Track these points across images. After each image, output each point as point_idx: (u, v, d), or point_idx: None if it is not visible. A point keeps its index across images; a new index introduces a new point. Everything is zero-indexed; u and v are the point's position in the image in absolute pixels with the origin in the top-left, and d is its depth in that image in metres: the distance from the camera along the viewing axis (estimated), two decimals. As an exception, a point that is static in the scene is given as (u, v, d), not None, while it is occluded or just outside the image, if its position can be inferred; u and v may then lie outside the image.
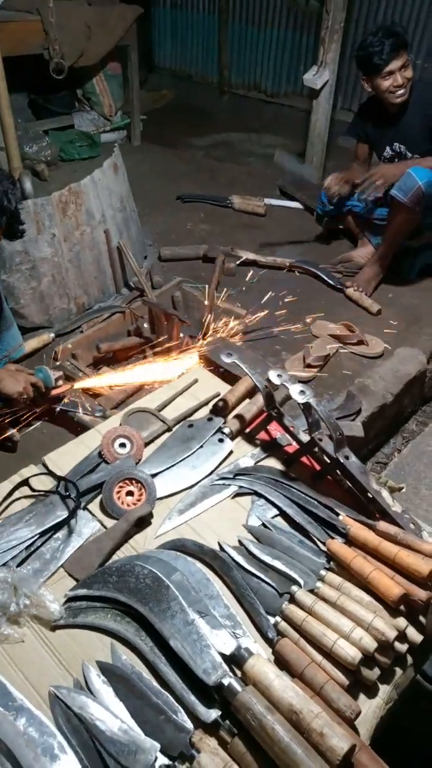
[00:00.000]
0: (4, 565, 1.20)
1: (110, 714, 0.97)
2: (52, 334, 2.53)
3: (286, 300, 2.84)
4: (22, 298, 2.57)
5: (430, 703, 1.58)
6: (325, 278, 3.09)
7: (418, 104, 2.84)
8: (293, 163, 4.41)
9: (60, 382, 2.07)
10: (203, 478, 1.46)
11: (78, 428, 2.02)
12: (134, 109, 4.71)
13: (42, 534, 1.26)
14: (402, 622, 1.14)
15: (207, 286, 2.85)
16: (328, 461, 1.41)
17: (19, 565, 1.21)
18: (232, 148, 4.95)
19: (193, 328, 2.54)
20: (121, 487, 1.37)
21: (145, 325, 2.54)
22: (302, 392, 1.37)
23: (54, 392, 2.04)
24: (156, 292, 2.74)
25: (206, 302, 2.69)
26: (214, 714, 0.98)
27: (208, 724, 0.97)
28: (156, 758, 0.91)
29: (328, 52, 3.87)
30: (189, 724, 0.97)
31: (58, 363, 2.30)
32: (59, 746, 0.91)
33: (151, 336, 2.51)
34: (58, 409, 2.03)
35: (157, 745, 0.93)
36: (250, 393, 1.69)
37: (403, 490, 1.99)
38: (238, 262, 3.15)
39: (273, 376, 1.44)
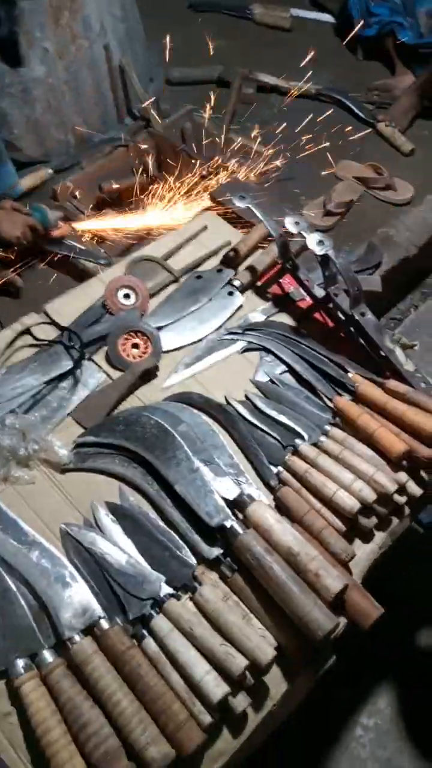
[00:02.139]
0: (11, 412, 1.21)
1: (119, 549, 1.03)
2: (50, 170, 2.32)
3: (309, 134, 2.56)
4: (15, 127, 2.32)
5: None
6: (355, 110, 2.75)
7: None
8: None
9: (60, 224, 1.94)
10: (211, 333, 1.41)
11: (81, 275, 1.93)
12: None
13: (47, 383, 1.26)
14: (403, 476, 1.16)
15: (221, 115, 2.55)
16: (343, 318, 1.35)
17: (26, 413, 1.22)
18: None
19: (204, 165, 2.32)
20: (126, 339, 1.33)
21: (152, 162, 2.32)
22: (321, 243, 1.27)
23: (53, 234, 1.92)
24: (163, 123, 2.46)
25: (220, 135, 2.42)
26: (216, 552, 1.04)
27: (210, 561, 1.04)
28: (161, 588, 0.98)
29: None
30: (192, 560, 1.04)
31: (57, 203, 2.13)
32: (71, 575, 0.98)
33: (157, 174, 2.30)
34: (58, 255, 1.92)
35: (163, 577, 0.99)
36: (264, 242, 1.58)
37: (416, 348, 1.95)
38: (257, 88, 2.79)
39: (290, 223, 1.32)
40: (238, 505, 1.07)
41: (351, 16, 3.04)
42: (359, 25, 2.94)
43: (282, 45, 3.19)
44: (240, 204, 1.41)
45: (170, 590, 0.99)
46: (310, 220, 2.17)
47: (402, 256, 2.07)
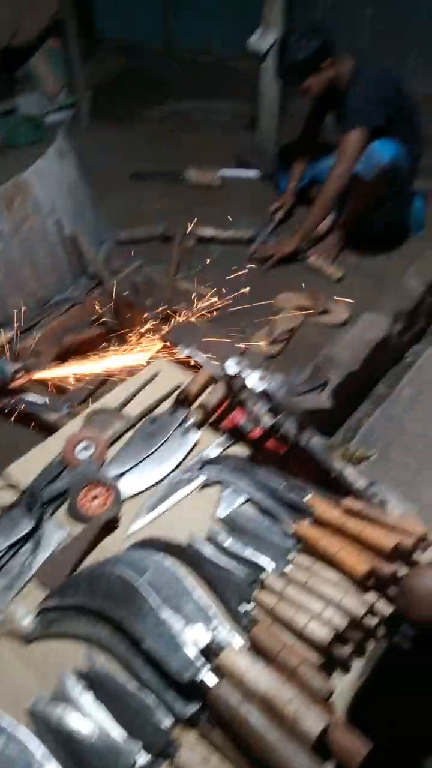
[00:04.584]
0: (-28, 584, 1.20)
1: (89, 721, 0.99)
2: (11, 334, 2.48)
3: (247, 274, 2.81)
4: (-26, 299, 2.51)
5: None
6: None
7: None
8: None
9: (18, 375, 2.03)
10: (170, 472, 1.46)
11: (46, 428, 1.99)
12: (79, 85, 4.53)
13: (9, 548, 1.26)
14: (371, 597, 1.16)
15: (167, 267, 2.81)
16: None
17: (-12, 582, 1.21)
18: (187, 117, 4.80)
19: (155, 313, 2.50)
20: (86, 492, 1.37)
21: (108, 315, 2.50)
22: (261, 379, 1.37)
23: (13, 385, 2.00)
24: (116, 278, 2.69)
25: (167, 285, 2.65)
26: (190, 710, 0.99)
27: (188, 718, 0.99)
28: (135, 762, 0.92)
29: (272, 11, 3.69)
30: (168, 721, 0.99)
31: (20, 363, 2.25)
32: (38, 765, 0.92)
33: (115, 325, 2.47)
34: (21, 407, 1.99)
35: (136, 748, 0.94)
36: (213, 380, 1.68)
37: (374, 457, 2.01)
38: (196, 240, 3.10)
39: (230, 366, 1.43)
40: (208, 654, 1.05)
41: (278, 187, 3.47)
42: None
43: (216, 201, 3.59)
44: (184, 352, 1.53)
45: (146, 759, 0.94)
46: (258, 349, 2.32)
47: (346, 371, 2.20)
